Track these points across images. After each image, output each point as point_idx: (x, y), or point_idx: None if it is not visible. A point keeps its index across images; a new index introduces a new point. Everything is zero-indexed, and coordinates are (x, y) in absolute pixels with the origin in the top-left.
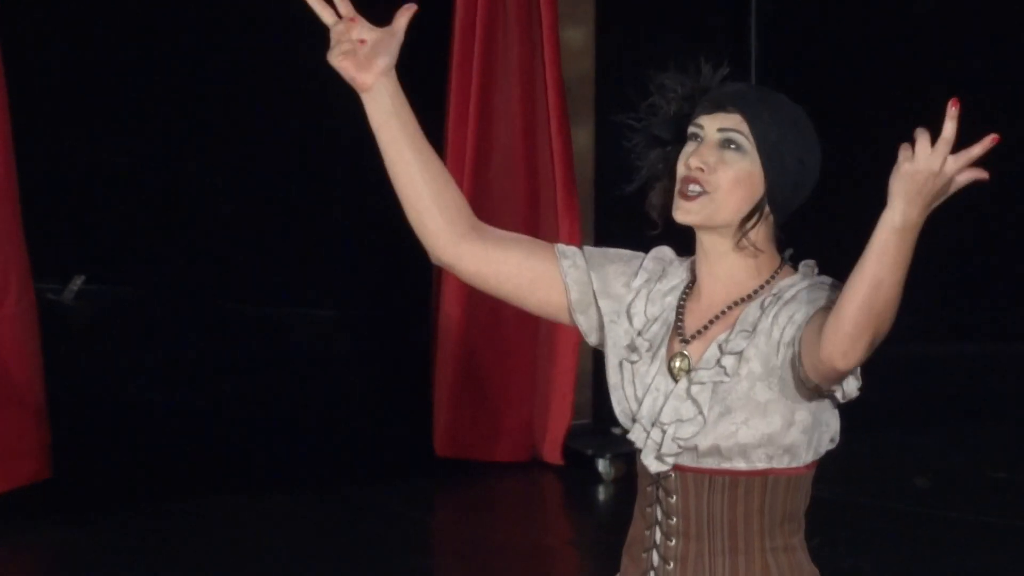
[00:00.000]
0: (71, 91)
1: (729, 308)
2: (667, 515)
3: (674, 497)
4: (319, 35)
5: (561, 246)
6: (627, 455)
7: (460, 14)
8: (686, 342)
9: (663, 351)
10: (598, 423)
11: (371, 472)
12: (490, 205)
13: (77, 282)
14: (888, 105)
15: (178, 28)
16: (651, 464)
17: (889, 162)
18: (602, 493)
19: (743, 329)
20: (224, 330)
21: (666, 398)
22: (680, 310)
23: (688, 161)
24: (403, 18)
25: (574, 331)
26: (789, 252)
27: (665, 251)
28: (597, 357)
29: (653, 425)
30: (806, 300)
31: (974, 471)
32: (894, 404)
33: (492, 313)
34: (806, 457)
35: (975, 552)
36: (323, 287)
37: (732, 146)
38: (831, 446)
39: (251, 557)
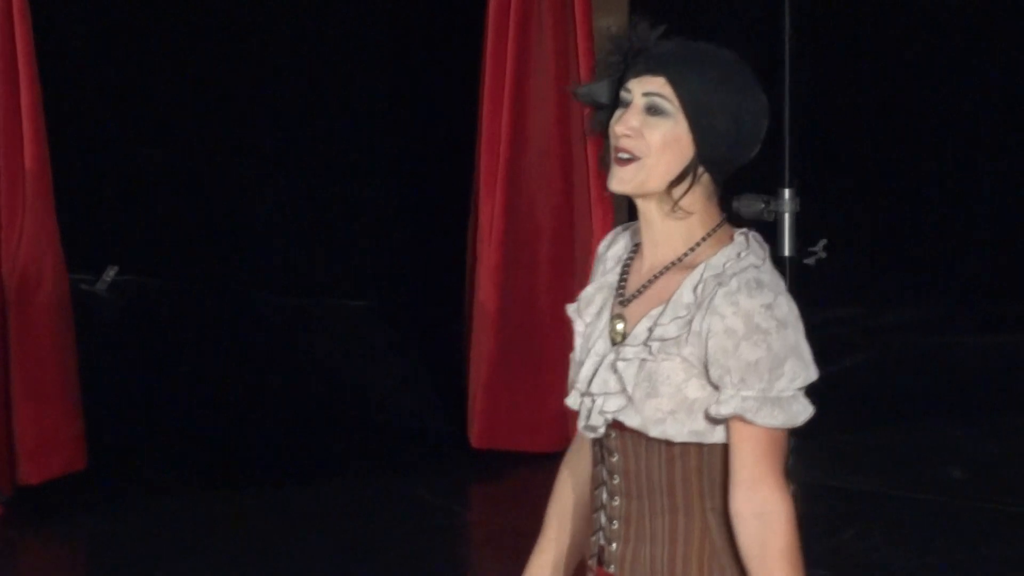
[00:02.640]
0: (105, 83)
1: (663, 271)
2: (611, 474)
3: (615, 456)
4: (350, 29)
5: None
6: None
7: (494, 4)
8: (624, 304)
9: (605, 315)
10: None
11: (406, 463)
12: (525, 194)
13: (110, 273)
14: (924, 94)
15: (213, 19)
16: (585, 431)
17: (921, 145)
18: None
19: (676, 316)
20: (257, 321)
21: (597, 367)
22: (624, 273)
23: (615, 128)
24: None
25: None
26: (724, 217)
27: (612, 232)
28: None
29: (584, 394)
30: (733, 353)
31: (1010, 462)
32: (929, 395)
33: (526, 303)
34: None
35: (1011, 543)
36: (357, 278)
37: (656, 110)
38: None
39: (285, 548)
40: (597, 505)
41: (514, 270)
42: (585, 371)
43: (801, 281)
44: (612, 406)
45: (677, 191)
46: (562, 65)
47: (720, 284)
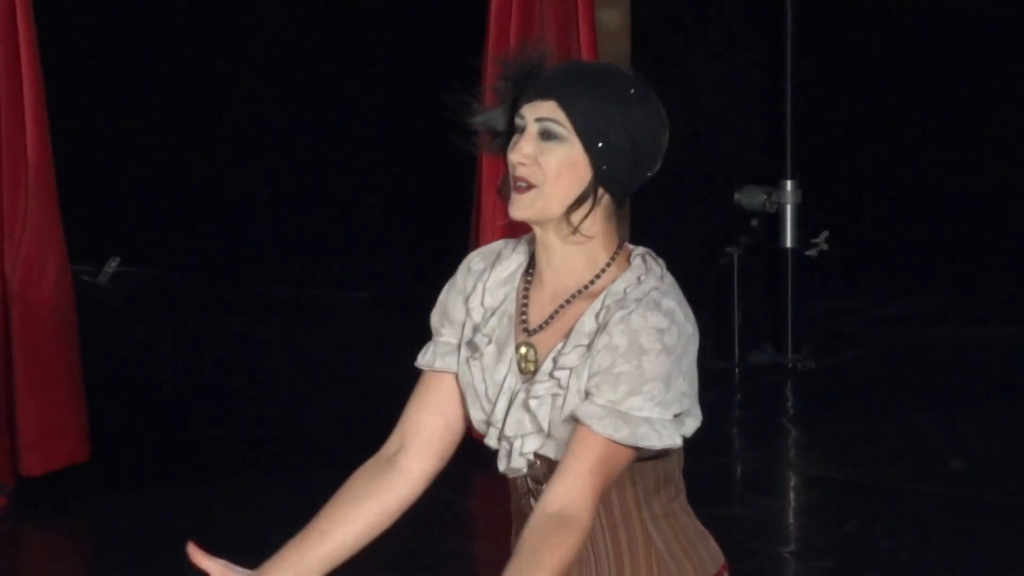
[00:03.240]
0: (107, 76)
1: (568, 301)
2: None
3: (543, 485)
4: (353, 22)
5: (424, 363)
6: None
7: None
8: (530, 334)
9: (510, 347)
10: None
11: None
12: None
13: (112, 264)
14: (925, 86)
15: (215, 12)
16: (507, 472)
17: (922, 138)
18: None
19: (578, 344)
20: (258, 312)
21: (509, 406)
22: (524, 301)
23: (510, 156)
24: (203, 561)
25: None
26: (622, 243)
27: (486, 247)
28: None
29: (500, 438)
30: (606, 367)
31: (1010, 454)
32: (930, 386)
33: None
34: (662, 445)
35: (1012, 534)
36: (357, 270)
37: (550, 135)
38: (696, 424)
39: (287, 539)
40: None
41: None
42: (499, 411)
43: (803, 273)
44: (531, 446)
45: (576, 215)
46: (564, 57)
47: (621, 308)
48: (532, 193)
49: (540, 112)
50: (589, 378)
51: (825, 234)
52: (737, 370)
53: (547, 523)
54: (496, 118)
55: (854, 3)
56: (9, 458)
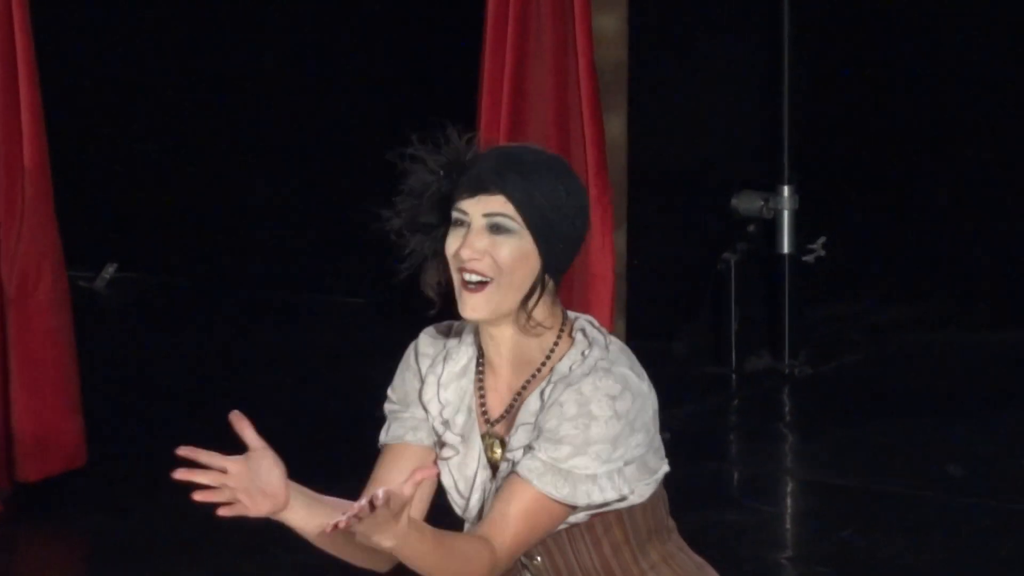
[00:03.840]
0: (104, 81)
1: (524, 387)
2: (529, 556)
3: (539, 558)
4: (351, 25)
5: (393, 438)
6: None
7: (493, 1)
8: (493, 425)
9: (476, 441)
10: None
11: None
12: None
13: (109, 270)
14: (923, 92)
15: (211, 16)
16: None
17: (920, 142)
18: None
19: (524, 422)
20: (254, 318)
21: (483, 499)
22: (480, 391)
23: (460, 253)
24: (246, 430)
25: (605, 318)
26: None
27: (432, 331)
28: (629, 345)
29: (454, 485)
30: (553, 428)
31: (1009, 459)
32: (928, 392)
33: None
34: (636, 497)
35: (1010, 540)
36: (354, 275)
37: (500, 229)
38: (664, 468)
39: (283, 544)
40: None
41: None
42: (473, 505)
43: (800, 279)
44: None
45: (531, 304)
46: (561, 63)
47: (568, 384)
48: (489, 289)
49: (489, 207)
50: (535, 439)
51: (822, 240)
52: (734, 376)
53: (472, 555)
54: (427, 214)
55: (852, 9)
56: (5, 464)
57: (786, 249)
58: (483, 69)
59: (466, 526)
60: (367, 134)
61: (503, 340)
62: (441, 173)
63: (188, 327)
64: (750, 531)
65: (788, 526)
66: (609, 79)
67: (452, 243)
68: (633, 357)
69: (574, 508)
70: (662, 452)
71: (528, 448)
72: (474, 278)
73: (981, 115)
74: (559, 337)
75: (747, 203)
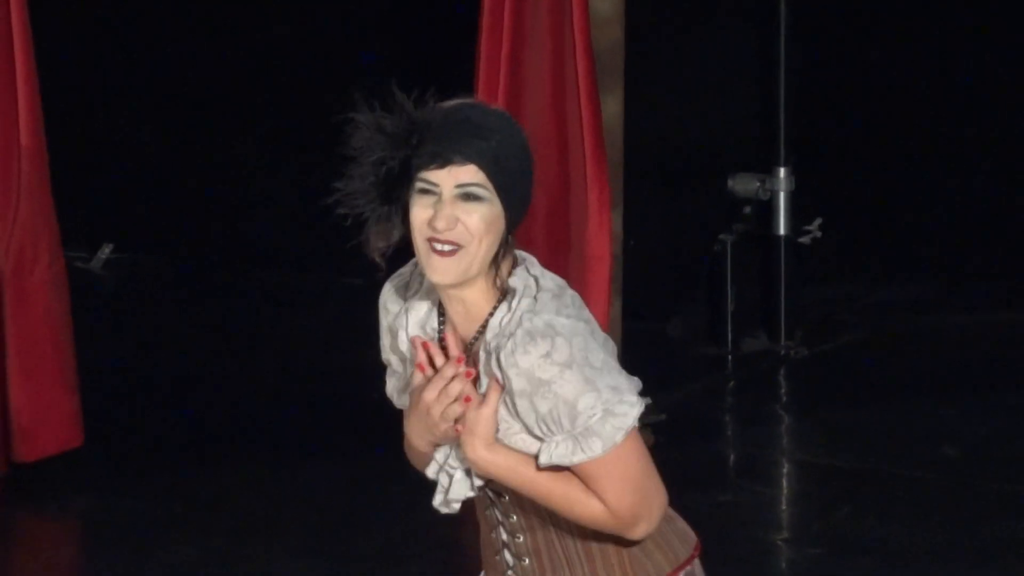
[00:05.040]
0: (101, 61)
1: (474, 340)
2: (505, 515)
3: (506, 496)
4: (347, 6)
5: (390, 389)
6: (652, 425)
7: None
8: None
9: None
10: None
11: (400, 441)
12: None
13: (105, 251)
14: (919, 73)
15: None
16: (441, 506)
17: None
18: None
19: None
20: (252, 298)
21: (449, 450)
22: (442, 346)
23: (434, 224)
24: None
25: (602, 299)
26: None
27: (392, 285)
28: (625, 326)
29: (440, 470)
30: (530, 409)
31: (1002, 441)
32: (922, 374)
33: None
34: (635, 416)
35: (1004, 521)
36: (350, 255)
37: (472, 197)
38: (638, 385)
39: (279, 526)
40: (498, 547)
41: None
42: (439, 455)
43: (796, 260)
44: (478, 480)
45: (501, 266)
46: (557, 44)
47: (499, 348)
48: (460, 255)
49: (460, 178)
50: (527, 427)
51: (818, 221)
52: (730, 357)
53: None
54: (395, 186)
55: None
56: (2, 444)
57: (782, 230)
58: (480, 50)
59: (431, 466)
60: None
61: (462, 299)
62: (401, 143)
63: (184, 307)
64: (746, 512)
65: (784, 507)
66: (606, 60)
67: (420, 212)
68: (564, 296)
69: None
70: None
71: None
72: (447, 247)
73: (977, 98)
74: (502, 296)
75: (743, 184)
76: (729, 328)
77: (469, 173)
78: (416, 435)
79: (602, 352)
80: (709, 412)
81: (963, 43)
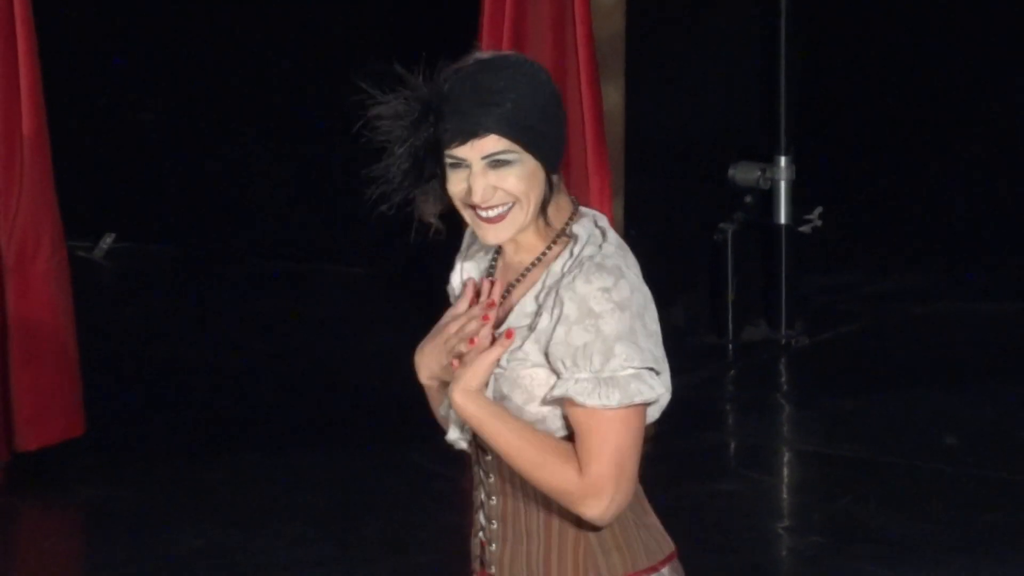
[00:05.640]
0: (102, 49)
1: (516, 283)
2: (486, 473)
3: (489, 455)
4: None
5: None
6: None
7: None
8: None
9: None
10: None
11: (403, 430)
12: None
13: (108, 240)
14: (919, 63)
15: None
16: (453, 442)
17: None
18: None
19: (518, 324)
20: (254, 287)
21: None
22: (491, 273)
23: (471, 196)
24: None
25: None
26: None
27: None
28: None
29: (449, 407)
30: (564, 340)
31: (1003, 429)
32: (923, 362)
33: None
34: (655, 396)
35: (1003, 510)
36: (355, 244)
37: (502, 163)
38: (667, 395)
39: (282, 514)
40: (477, 505)
41: None
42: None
43: (797, 249)
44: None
45: (549, 211)
46: (559, 33)
47: (561, 287)
48: (510, 215)
49: (485, 150)
50: (551, 357)
51: (819, 210)
52: (731, 346)
53: (568, 452)
54: (426, 164)
55: None
56: (4, 432)
57: (783, 219)
58: (481, 39)
59: (443, 403)
60: (368, 105)
61: (515, 240)
62: (420, 124)
63: (186, 296)
64: (746, 501)
65: (784, 496)
66: (607, 50)
67: (456, 186)
68: (631, 256)
69: (643, 409)
70: (667, 374)
71: (521, 352)
72: (492, 212)
73: (978, 88)
74: (558, 235)
75: (744, 173)
76: (730, 317)
77: (492, 143)
78: (423, 362)
79: (655, 325)
80: (710, 401)
81: (963, 34)
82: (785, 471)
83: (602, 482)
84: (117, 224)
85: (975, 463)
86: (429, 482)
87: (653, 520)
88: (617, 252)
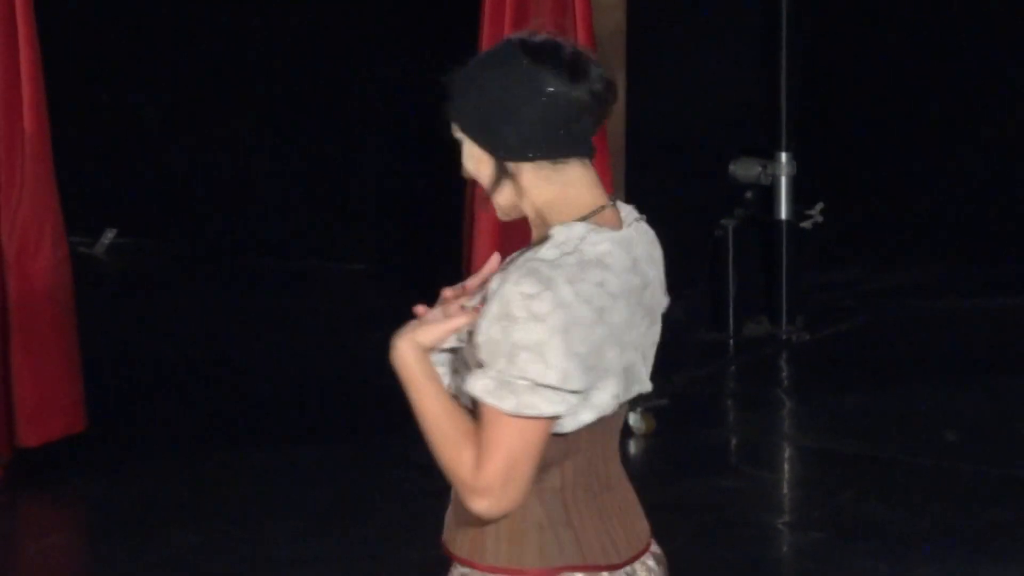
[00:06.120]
0: (104, 46)
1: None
2: None
3: None
4: None
5: None
6: (654, 410)
7: None
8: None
9: None
10: None
11: (399, 426)
12: None
13: (109, 236)
14: (920, 59)
15: None
16: None
17: (918, 109)
18: (633, 447)
19: (484, 296)
20: (254, 283)
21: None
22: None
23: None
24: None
25: None
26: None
27: None
28: None
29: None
30: (482, 330)
31: (1004, 425)
32: (924, 358)
33: None
34: (552, 412)
35: (1005, 505)
36: (354, 241)
37: (460, 142)
38: (589, 416)
39: (280, 510)
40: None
41: (510, 233)
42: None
43: (797, 245)
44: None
45: (501, 197)
46: (559, 29)
47: (503, 280)
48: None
49: (455, 134)
50: (474, 344)
51: (820, 206)
52: (732, 342)
53: (471, 440)
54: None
55: None
56: (6, 429)
57: (784, 215)
58: (482, 35)
59: None
60: (368, 102)
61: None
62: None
63: (187, 292)
64: (747, 496)
65: (785, 491)
66: (607, 45)
67: None
68: (593, 275)
69: (543, 423)
70: (604, 391)
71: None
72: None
73: (979, 84)
74: (550, 233)
75: (745, 169)
76: (731, 313)
77: (455, 129)
78: (408, 328)
79: (584, 346)
80: (711, 397)
81: (964, 29)
82: (786, 467)
83: (489, 481)
84: (118, 220)
85: (976, 459)
86: (424, 478)
87: (579, 529)
88: (574, 266)
